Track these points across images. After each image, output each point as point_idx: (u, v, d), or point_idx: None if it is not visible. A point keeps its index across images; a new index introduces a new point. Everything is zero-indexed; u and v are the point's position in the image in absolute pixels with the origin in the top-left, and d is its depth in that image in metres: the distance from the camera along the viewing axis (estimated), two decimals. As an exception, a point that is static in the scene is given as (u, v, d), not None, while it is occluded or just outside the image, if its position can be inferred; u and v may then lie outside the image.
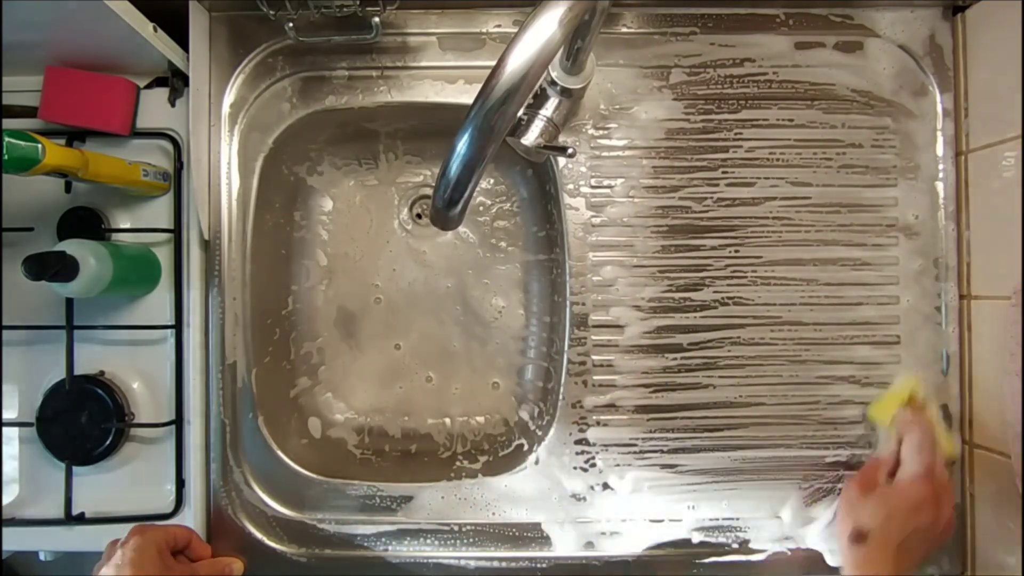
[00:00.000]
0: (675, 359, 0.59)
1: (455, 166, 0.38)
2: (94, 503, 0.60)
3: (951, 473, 0.56)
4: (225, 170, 0.59)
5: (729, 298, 0.59)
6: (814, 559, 0.58)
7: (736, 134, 0.59)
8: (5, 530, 0.59)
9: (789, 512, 0.58)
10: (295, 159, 0.65)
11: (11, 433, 0.61)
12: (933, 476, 0.52)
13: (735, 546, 0.58)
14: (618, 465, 0.59)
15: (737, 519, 0.58)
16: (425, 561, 0.58)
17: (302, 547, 0.58)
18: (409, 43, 0.59)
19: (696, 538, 0.58)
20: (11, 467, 0.61)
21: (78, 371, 0.60)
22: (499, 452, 0.64)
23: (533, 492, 0.59)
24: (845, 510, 0.54)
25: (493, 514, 0.58)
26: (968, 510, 0.58)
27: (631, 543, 0.58)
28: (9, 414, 0.60)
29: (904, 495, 0.51)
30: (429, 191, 0.70)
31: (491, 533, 0.58)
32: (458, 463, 0.64)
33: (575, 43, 0.49)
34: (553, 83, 0.53)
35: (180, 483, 0.60)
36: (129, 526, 0.58)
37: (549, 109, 0.54)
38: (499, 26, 0.59)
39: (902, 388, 0.57)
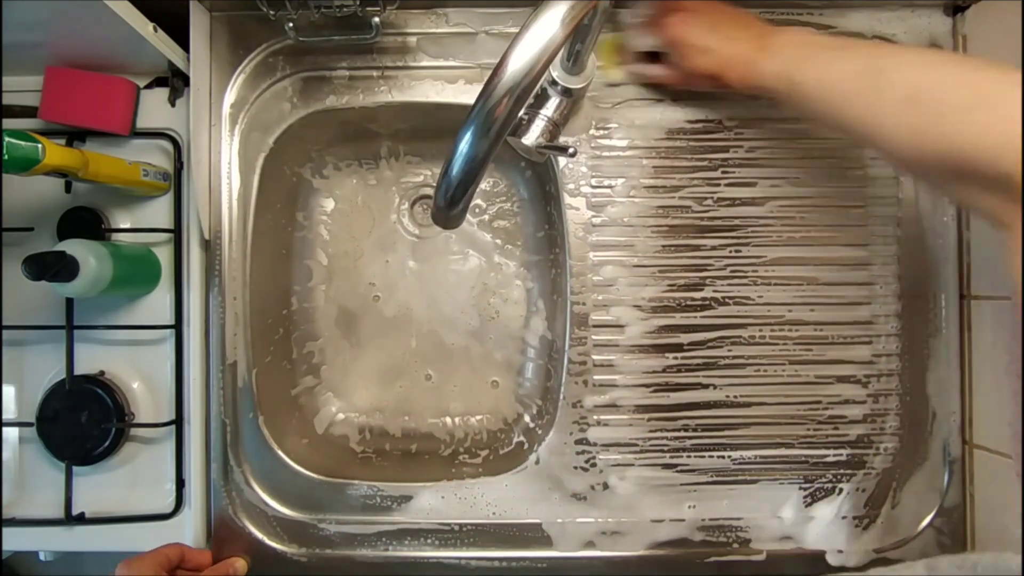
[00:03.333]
0: (676, 359, 0.59)
1: (456, 165, 0.38)
2: (94, 503, 0.60)
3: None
4: (225, 170, 0.59)
5: (729, 298, 0.59)
6: (814, 559, 0.58)
7: (736, 134, 0.59)
8: (5, 530, 0.59)
9: (789, 512, 0.58)
10: (296, 159, 0.65)
11: (11, 433, 0.60)
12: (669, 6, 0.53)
13: (735, 546, 0.58)
14: (618, 465, 0.59)
15: (737, 519, 0.58)
16: (425, 561, 0.58)
17: (303, 547, 0.58)
18: (409, 43, 0.59)
19: (697, 538, 0.58)
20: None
21: (78, 371, 0.60)
22: (500, 450, 0.64)
23: (533, 492, 0.59)
24: (688, 73, 0.54)
25: (493, 514, 0.58)
26: (968, 510, 0.58)
27: (631, 543, 0.58)
28: (9, 414, 0.60)
29: (684, 17, 0.52)
30: (430, 191, 0.70)
31: (491, 533, 0.58)
32: (459, 460, 0.64)
33: (576, 43, 0.49)
34: (554, 83, 0.53)
35: (180, 483, 0.60)
36: (129, 526, 0.58)
37: (550, 109, 0.54)
38: (500, 26, 0.59)
39: (607, 43, 0.59)
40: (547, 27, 0.35)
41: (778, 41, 0.49)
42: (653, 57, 0.57)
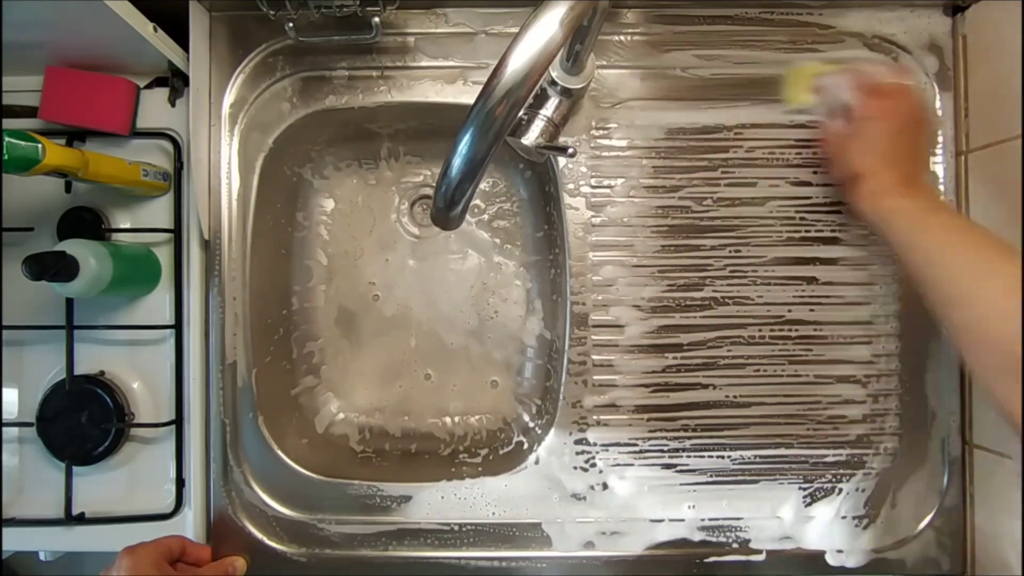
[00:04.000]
0: (675, 359, 0.59)
1: (456, 166, 0.38)
2: (94, 503, 0.60)
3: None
4: (225, 170, 0.59)
5: (729, 298, 0.59)
6: (814, 559, 0.58)
7: (736, 134, 0.59)
8: (5, 530, 0.59)
9: (789, 512, 0.58)
10: (295, 159, 0.65)
11: (11, 433, 0.61)
12: (876, 91, 0.52)
13: (735, 546, 0.58)
14: (618, 465, 0.59)
15: (737, 519, 0.58)
16: (425, 561, 0.58)
17: (302, 547, 0.58)
18: (409, 43, 0.59)
19: (696, 538, 0.58)
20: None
21: (78, 371, 0.60)
22: (499, 450, 0.64)
23: (533, 492, 0.59)
24: (832, 169, 0.56)
25: (493, 514, 0.58)
26: (968, 510, 0.58)
27: (631, 543, 0.58)
28: (9, 414, 0.60)
29: (865, 121, 0.52)
30: (429, 191, 0.70)
31: (491, 533, 0.58)
32: (458, 460, 0.64)
33: (575, 43, 0.49)
34: (553, 83, 0.53)
35: (180, 483, 0.60)
36: (129, 526, 0.58)
37: (549, 109, 0.54)
38: (500, 26, 0.59)
39: (804, 69, 0.58)
40: (546, 28, 0.35)
41: (920, 187, 0.51)
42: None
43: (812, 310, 0.59)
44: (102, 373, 0.60)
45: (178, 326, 0.60)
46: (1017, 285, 0.41)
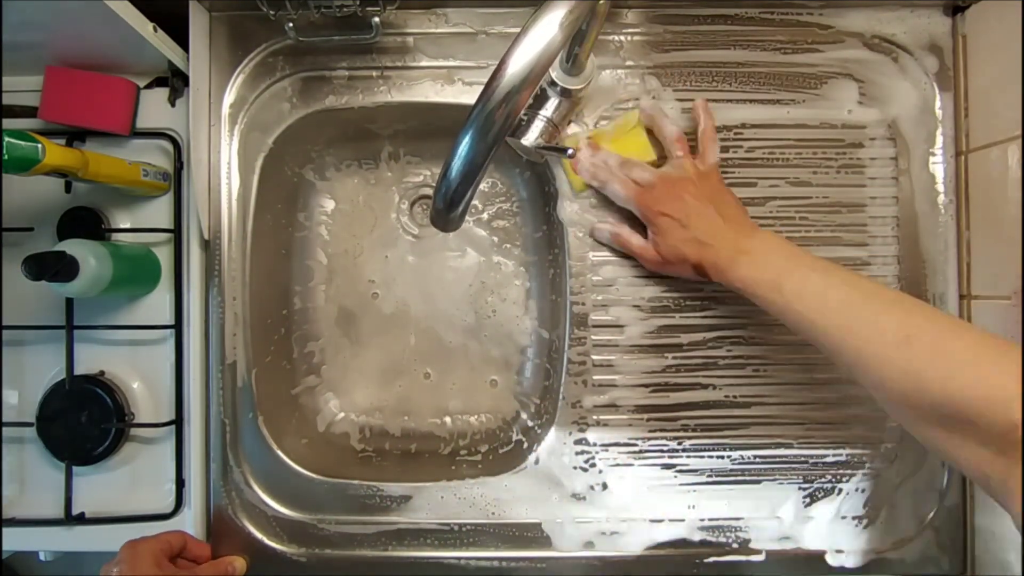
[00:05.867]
0: (675, 359, 0.59)
1: (456, 168, 0.38)
2: (94, 503, 0.60)
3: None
4: (225, 170, 0.59)
5: (729, 298, 0.59)
6: (814, 559, 0.58)
7: (736, 134, 0.59)
8: (5, 530, 0.59)
9: (789, 512, 0.58)
10: (295, 159, 0.65)
11: (11, 433, 0.61)
12: (647, 187, 0.53)
13: (735, 546, 0.58)
14: (618, 465, 0.59)
15: (737, 519, 0.58)
16: (425, 561, 0.58)
17: (302, 547, 0.59)
18: (409, 43, 0.59)
19: (696, 538, 0.58)
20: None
21: (78, 371, 0.60)
22: (499, 450, 0.64)
23: (533, 492, 0.59)
24: (671, 271, 0.56)
25: (493, 514, 0.58)
26: (968, 510, 0.58)
27: (631, 543, 0.58)
28: (9, 414, 0.60)
29: (655, 219, 0.53)
30: (430, 191, 0.70)
31: (491, 533, 0.58)
32: (458, 458, 0.64)
33: (574, 45, 0.49)
34: (553, 84, 0.53)
35: (180, 483, 0.60)
36: (129, 526, 0.58)
37: (549, 109, 0.54)
38: (500, 26, 0.59)
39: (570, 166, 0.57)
40: (546, 30, 0.35)
41: (760, 246, 0.50)
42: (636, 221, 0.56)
43: (812, 310, 0.59)
44: (102, 373, 0.60)
45: (178, 326, 0.60)
46: (896, 335, 0.41)
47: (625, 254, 0.58)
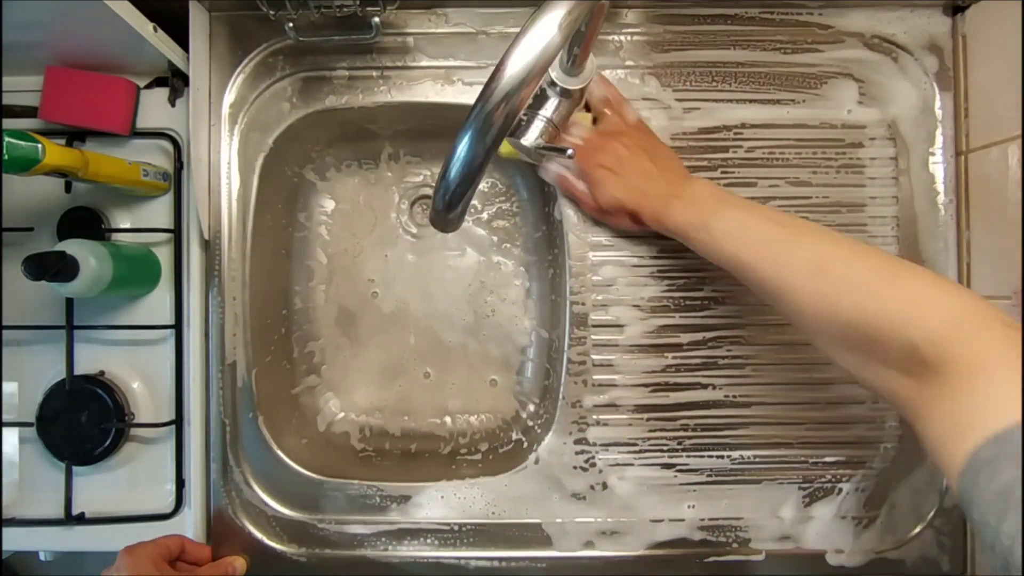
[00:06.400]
0: (675, 358, 0.59)
1: (455, 168, 0.38)
2: (94, 503, 0.60)
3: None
4: (225, 170, 0.59)
5: (729, 297, 0.59)
6: (814, 559, 0.58)
7: (736, 134, 0.59)
8: (5, 530, 0.59)
9: (789, 512, 0.58)
10: (295, 159, 0.65)
11: (11, 433, 0.61)
12: (587, 143, 0.55)
13: (735, 546, 0.58)
14: (618, 465, 0.59)
15: (737, 519, 0.58)
16: (425, 561, 0.58)
17: (302, 547, 0.59)
18: (409, 43, 0.59)
19: (696, 537, 0.58)
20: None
21: (78, 371, 0.60)
22: (499, 449, 0.64)
23: (533, 492, 0.59)
24: (609, 220, 0.58)
25: (493, 514, 0.59)
26: (968, 510, 0.58)
27: (631, 543, 0.58)
28: (9, 414, 0.60)
29: (591, 171, 0.55)
30: (429, 191, 0.70)
31: (491, 533, 0.58)
32: (458, 458, 0.64)
33: (574, 45, 0.49)
34: (553, 84, 0.53)
35: (180, 483, 0.60)
36: (129, 526, 0.58)
37: (549, 110, 0.54)
38: (500, 26, 0.59)
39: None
40: (545, 30, 0.35)
41: (691, 191, 0.52)
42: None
43: (812, 310, 0.59)
44: (102, 373, 0.60)
45: (178, 326, 0.60)
46: (811, 265, 0.43)
47: (626, 254, 0.59)
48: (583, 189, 0.57)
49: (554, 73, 0.52)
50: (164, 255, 0.61)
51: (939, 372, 0.35)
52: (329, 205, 0.69)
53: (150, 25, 0.53)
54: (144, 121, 0.60)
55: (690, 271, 0.59)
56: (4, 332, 0.59)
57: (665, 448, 0.59)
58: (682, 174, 0.54)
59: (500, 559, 0.58)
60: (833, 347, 0.43)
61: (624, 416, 0.59)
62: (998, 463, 0.29)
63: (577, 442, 0.59)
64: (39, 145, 0.47)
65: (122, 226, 0.61)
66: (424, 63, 0.60)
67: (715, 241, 0.48)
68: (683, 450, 0.59)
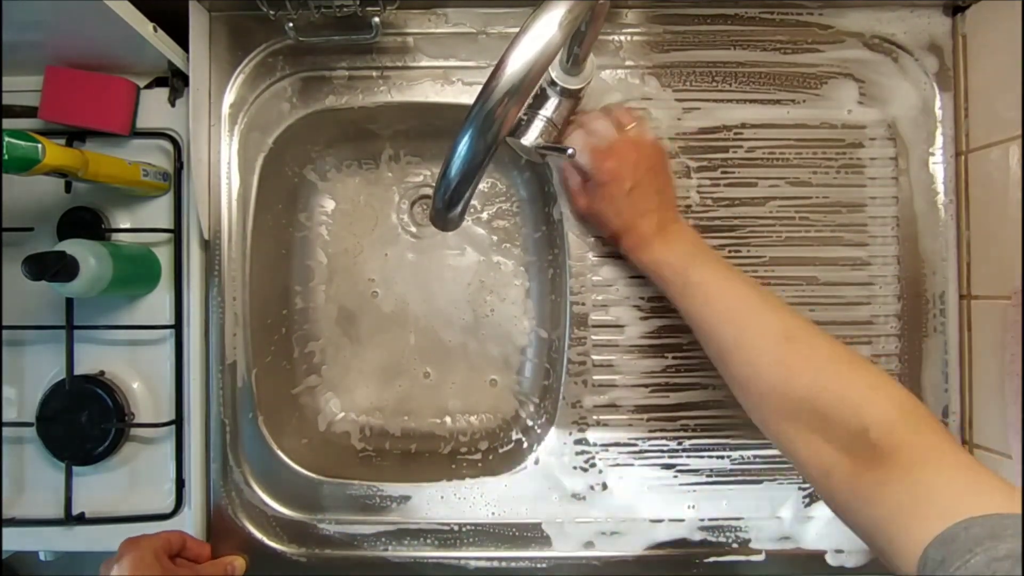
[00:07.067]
0: (675, 359, 0.59)
1: (455, 167, 0.38)
2: (94, 503, 0.60)
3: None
4: (225, 170, 0.59)
5: (729, 298, 0.58)
6: (814, 559, 0.58)
7: (736, 134, 0.59)
8: (5, 530, 0.59)
9: (789, 512, 0.58)
10: (295, 159, 0.65)
11: (11, 433, 0.60)
12: (602, 153, 0.53)
13: (735, 546, 0.58)
14: (618, 465, 0.59)
15: (737, 519, 0.58)
16: (425, 561, 0.58)
17: (302, 547, 0.59)
18: (409, 43, 0.59)
19: (696, 537, 0.58)
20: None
21: (78, 371, 0.60)
22: (499, 449, 0.64)
23: (533, 492, 0.59)
24: (591, 227, 0.59)
25: (492, 514, 0.59)
26: (968, 510, 0.58)
27: (631, 543, 0.58)
28: (9, 414, 0.60)
29: (600, 187, 0.54)
30: (429, 191, 0.70)
31: (491, 533, 0.58)
32: (458, 458, 0.64)
33: (574, 44, 0.49)
34: (553, 83, 0.53)
35: (180, 483, 0.60)
36: (129, 526, 0.58)
37: (549, 109, 0.54)
38: (500, 26, 0.59)
39: None
40: (545, 30, 0.35)
41: (678, 234, 0.53)
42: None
43: (812, 310, 0.59)
44: (102, 373, 0.60)
45: (178, 326, 0.60)
46: (779, 332, 0.45)
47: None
48: (577, 184, 0.57)
49: (554, 73, 0.52)
50: (164, 255, 0.61)
51: (886, 457, 0.37)
52: (329, 205, 0.69)
53: (150, 25, 0.53)
54: (144, 121, 0.60)
55: (690, 271, 0.59)
56: (4, 332, 0.59)
57: (665, 448, 0.59)
58: (674, 213, 0.55)
59: (500, 559, 0.58)
60: (774, 415, 0.44)
61: (624, 416, 0.59)
62: (948, 563, 0.30)
63: (577, 442, 0.59)
64: (39, 145, 0.47)
65: (122, 226, 0.61)
66: (424, 63, 0.60)
67: (689, 287, 0.49)
68: (683, 450, 0.59)
